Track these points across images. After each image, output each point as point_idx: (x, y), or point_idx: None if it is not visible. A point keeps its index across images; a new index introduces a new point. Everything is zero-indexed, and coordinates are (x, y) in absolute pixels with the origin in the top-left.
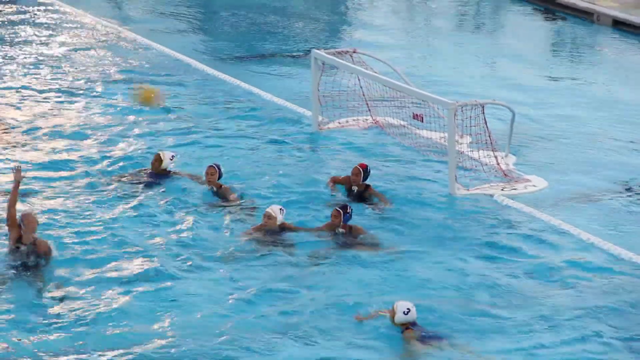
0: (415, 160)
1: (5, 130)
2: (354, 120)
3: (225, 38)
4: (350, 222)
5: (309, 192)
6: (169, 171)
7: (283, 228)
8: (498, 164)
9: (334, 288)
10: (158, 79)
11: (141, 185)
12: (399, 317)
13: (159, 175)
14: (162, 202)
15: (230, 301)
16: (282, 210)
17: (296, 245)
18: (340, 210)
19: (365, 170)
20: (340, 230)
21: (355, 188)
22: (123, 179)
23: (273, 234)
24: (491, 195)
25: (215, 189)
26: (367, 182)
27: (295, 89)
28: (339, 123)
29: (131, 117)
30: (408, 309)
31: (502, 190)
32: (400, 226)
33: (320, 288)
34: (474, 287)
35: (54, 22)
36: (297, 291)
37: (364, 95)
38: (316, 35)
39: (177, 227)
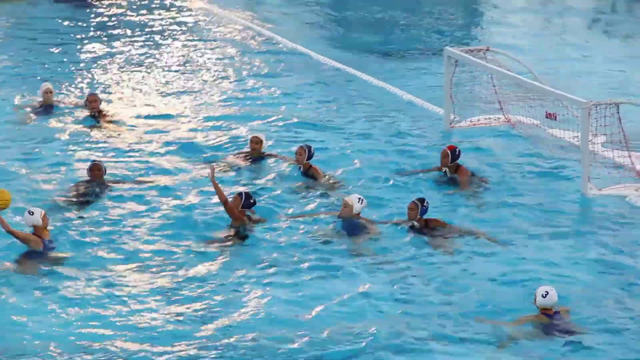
0: (547, 159)
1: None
2: (485, 118)
3: (357, 34)
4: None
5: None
6: (265, 154)
7: (357, 218)
8: (632, 164)
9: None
10: (286, 73)
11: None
12: (539, 300)
13: (256, 158)
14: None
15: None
16: (361, 200)
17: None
18: (418, 203)
19: (454, 152)
20: (416, 223)
21: (445, 169)
22: (226, 161)
23: (349, 222)
24: (625, 197)
25: (304, 169)
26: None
27: (426, 86)
28: (471, 121)
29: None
30: (547, 292)
31: (636, 191)
32: (529, 223)
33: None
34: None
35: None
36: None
37: (496, 93)
38: (449, 33)
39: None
